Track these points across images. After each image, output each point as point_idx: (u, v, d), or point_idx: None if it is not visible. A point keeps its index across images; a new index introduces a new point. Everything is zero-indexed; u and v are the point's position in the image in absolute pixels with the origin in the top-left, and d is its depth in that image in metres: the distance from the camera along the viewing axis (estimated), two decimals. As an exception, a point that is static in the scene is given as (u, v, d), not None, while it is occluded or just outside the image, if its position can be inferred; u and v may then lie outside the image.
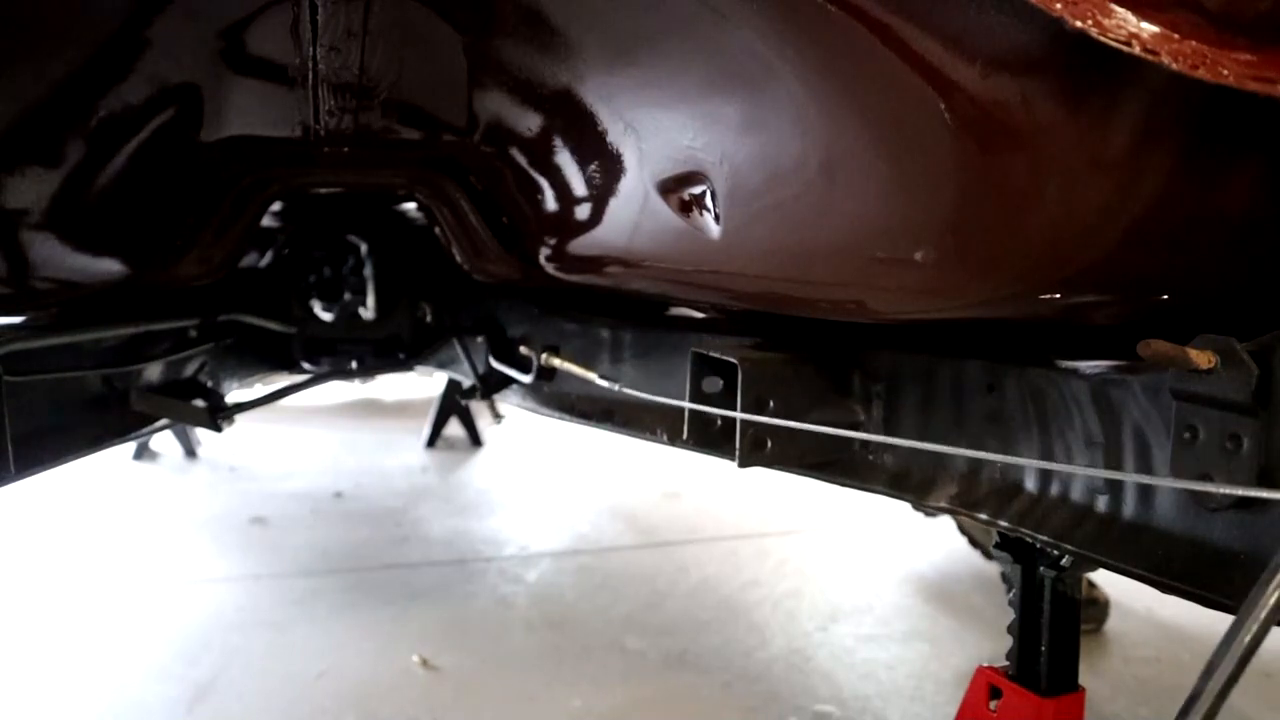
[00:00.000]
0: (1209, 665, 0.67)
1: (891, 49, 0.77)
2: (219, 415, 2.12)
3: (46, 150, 1.23)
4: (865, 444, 1.31)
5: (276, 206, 2.15)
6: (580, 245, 1.52)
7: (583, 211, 1.45)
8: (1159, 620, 2.57)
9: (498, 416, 5.07)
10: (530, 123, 1.45)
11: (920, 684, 2.23)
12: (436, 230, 1.84)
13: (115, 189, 1.38)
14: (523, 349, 2.06)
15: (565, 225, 1.53)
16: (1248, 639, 0.65)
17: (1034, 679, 1.32)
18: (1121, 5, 0.61)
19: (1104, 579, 2.57)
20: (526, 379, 2.01)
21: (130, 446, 4.25)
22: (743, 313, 1.54)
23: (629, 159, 1.25)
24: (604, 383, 1.61)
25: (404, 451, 4.64)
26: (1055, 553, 1.24)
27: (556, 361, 1.87)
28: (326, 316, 2.51)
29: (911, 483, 1.26)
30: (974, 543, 3.05)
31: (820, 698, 2.15)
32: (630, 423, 1.78)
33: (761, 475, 1.40)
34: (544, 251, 1.63)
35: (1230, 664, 0.66)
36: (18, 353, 1.48)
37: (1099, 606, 2.54)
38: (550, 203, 1.55)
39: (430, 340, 2.54)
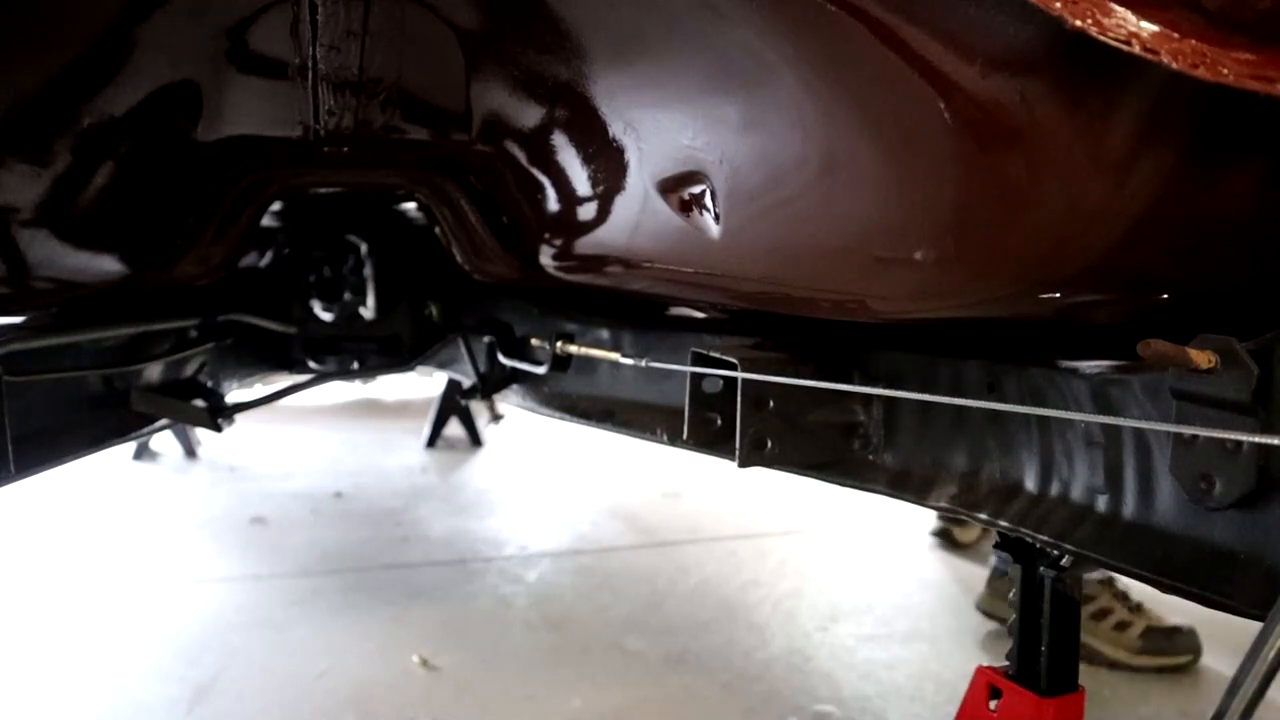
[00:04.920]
0: (1234, 681, 0.65)
1: (890, 48, 0.77)
2: (219, 415, 2.11)
3: (45, 148, 1.23)
4: (865, 444, 1.31)
5: (276, 206, 2.15)
6: (580, 245, 1.52)
7: (583, 211, 1.45)
8: (1159, 620, 2.56)
9: (497, 417, 5.07)
10: (530, 122, 1.45)
11: (920, 684, 2.23)
12: (436, 230, 1.84)
13: (114, 188, 1.38)
14: (534, 341, 2.06)
15: (565, 225, 1.53)
16: (1272, 654, 0.64)
17: (1034, 679, 1.32)
18: (1121, 4, 0.61)
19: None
20: (541, 370, 2.00)
21: (130, 446, 4.25)
22: (743, 312, 1.54)
23: (629, 158, 1.25)
24: (627, 360, 1.61)
25: (404, 451, 4.64)
26: (1055, 553, 1.24)
27: (573, 348, 1.87)
28: (326, 316, 2.50)
29: (911, 483, 1.26)
30: (950, 539, 3.10)
31: (820, 698, 2.15)
32: (630, 422, 1.78)
33: (761, 475, 1.40)
34: (544, 251, 1.63)
35: (1255, 680, 0.63)
36: (18, 353, 1.48)
37: (1184, 635, 2.31)
38: (550, 202, 1.55)
39: (431, 339, 2.54)
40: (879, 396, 1.29)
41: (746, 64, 0.97)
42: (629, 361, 1.59)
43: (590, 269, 1.54)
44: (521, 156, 1.55)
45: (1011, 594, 1.34)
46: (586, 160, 1.37)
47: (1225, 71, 0.60)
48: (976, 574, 2.95)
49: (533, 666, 2.30)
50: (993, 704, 1.35)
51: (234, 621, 2.54)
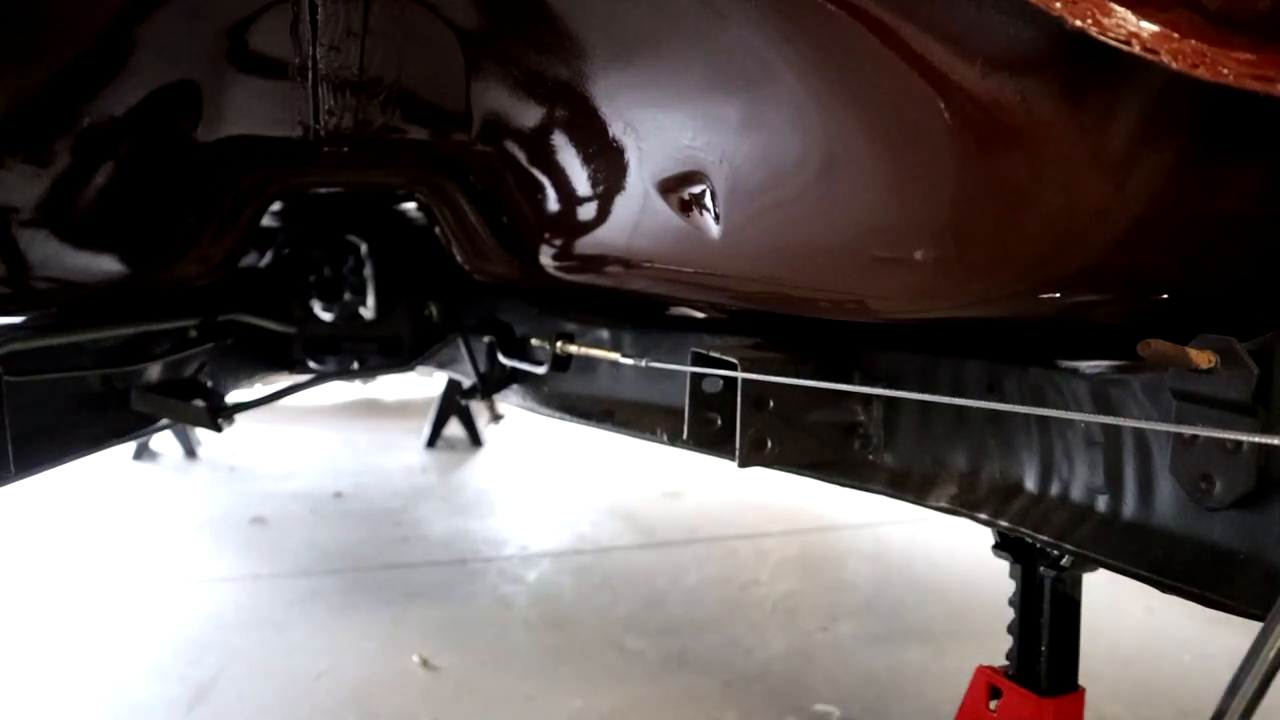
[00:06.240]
0: (1233, 682, 0.65)
1: (891, 48, 0.77)
2: (219, 415, 2.11)
3: (45, 148, 1.23)
4: (865, 444, 1.31)
5: (276, 206, 2.15)
6: (581, 245, 1.52)
7: (583, 211, 1.45)
8: (1158, 620, 2.56)
9: (497, 417, 5.07)
10: (530, 122, 1.45)
11: (920, 684, 2.23)
12: (436, 230, 1.84)
13: (115, 188, 1.38)
14: (534, 341, 2.06)
15: (566, 225, 1.53)
16: (1272, 654, 0.64)
17: (1034, 679, 1.32)
18: (1121, 4, 0.61)
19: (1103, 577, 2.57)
20: (541, 370, 2.00)
21: (130, 446, 4.25)
22: (743, 312, 1.54)
23: (629, 158, 1.25)
24: (627, 360, 1.61)
25: (404, 451, 4.64)
26: (1055, 553, 1.24)
27: (573, 348, 1.87)
28: (326, 316, 2.50)
29: (911, 483, 1.26)
30: None
31: (820, 698, 2.15)
32: (630, 422, 1.78)
33: (761, 475, 1.40)
34: (544, 251, 1.63)
35: (1255, 680, 0.64)
36: (18, 353, 1.48)
37: None
38: (551, 202, 1.54)
39: (431, 339, 2.54)
40: (879, 396, 1.29)
41: (746, 64, 0.97)
42: (629, 361, 1.60)
43: (590, 269, 1.54)
44: (522, 156, 1.54)
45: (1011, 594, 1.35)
46: (586, 160, 1.37)
47: (1225, 71, 0.60)
48: (975, 574, 2.95)
49: (533, 666, 2.30)
50: (993, 704, 1.35)
51: (234, 621, 2.54)
